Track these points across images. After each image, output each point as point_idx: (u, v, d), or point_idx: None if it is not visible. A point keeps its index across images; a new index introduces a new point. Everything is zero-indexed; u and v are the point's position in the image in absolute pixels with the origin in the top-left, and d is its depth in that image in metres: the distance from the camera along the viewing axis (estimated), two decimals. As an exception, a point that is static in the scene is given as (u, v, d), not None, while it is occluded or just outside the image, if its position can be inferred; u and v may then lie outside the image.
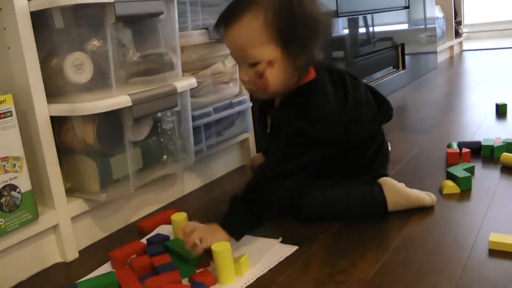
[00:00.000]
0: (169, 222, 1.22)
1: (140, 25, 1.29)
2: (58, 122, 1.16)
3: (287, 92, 1.18)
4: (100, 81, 1.18)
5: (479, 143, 1.59)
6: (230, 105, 1.57)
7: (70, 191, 1.20)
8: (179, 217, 1.16)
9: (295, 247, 1.08)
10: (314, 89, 1.17)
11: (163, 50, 1.33)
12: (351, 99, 1.20)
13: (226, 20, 1.13)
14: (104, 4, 1.13)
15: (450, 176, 1.36)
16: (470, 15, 5.49)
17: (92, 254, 1.18)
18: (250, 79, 1.14)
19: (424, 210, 1.21)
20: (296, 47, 1.10)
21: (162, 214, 1.30)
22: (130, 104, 1.17)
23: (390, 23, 2.96)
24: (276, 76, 1.12)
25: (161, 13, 1.27)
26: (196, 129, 1.45)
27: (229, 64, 1.56)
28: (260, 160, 1.47)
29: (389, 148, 1.36)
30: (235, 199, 1.10)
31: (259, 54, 1.10)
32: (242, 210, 1.08)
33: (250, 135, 1.72)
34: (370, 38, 2.68)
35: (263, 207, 1.09)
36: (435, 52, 3.72)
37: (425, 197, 1.22)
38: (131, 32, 1.27)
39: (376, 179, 1.24)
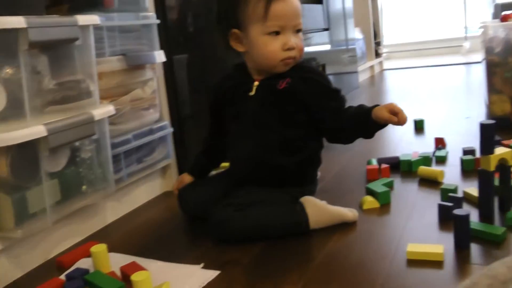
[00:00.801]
0: (89, 255, 1.18)
1: (55, 51, 1.26)
2: (-32, 156, 1.11)
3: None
4: (14, 111, 1.13)
5: (397, 158, 1.64)
6: (151, 132, 1.56)
7: (-17, 230, 1.14)
8: (99, 249, 1.13)
9: (217, 272, 1.07)
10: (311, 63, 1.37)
11: (80, 77, 1.30)
12: None
13: None
14: (17, 30, 1.09)
15: (370, 192, 1.40)
16: (389, 36, 5.71)
17: (9, 295, 1.13)
18: (297, 45, 1.25)
19: (346, 226, 1.23)
20: None
21: (83, 247, 1.26)
22: (46, 134, 1.13)
23: (312, 44, 3.03)
24: None
25: (77, 39, 1.24)
26: (116, 157, 1.42)
27: (149, 90, 1.54)
28: (188, 180, 1.46)
29: (319, 174, 1.40)
30: None
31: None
32: None
33: (172, 161, 1.70)
34: (292, 60, 2.72)
35: None
36: (356, 72, 3.83)
37: (347, 213, 1.24)
38: (46, 59, 1.24)
39: (298, 198, 1.25)
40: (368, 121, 1.21)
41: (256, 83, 1.31)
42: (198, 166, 1.49)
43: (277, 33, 1.24)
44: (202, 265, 1.10)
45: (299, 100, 1.28)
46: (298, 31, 1.27)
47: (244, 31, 1.26)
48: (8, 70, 1.13)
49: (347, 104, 1.31)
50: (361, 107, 1.26)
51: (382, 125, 1.21)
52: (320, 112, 1.28)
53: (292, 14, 1.24)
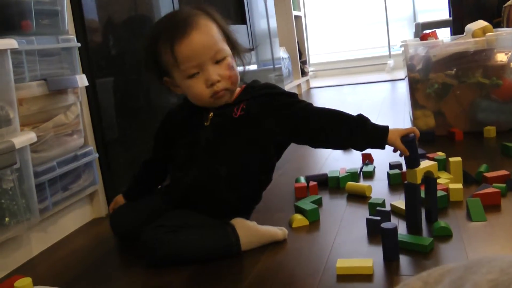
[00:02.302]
0: (13, 289, 1.13)
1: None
2: None
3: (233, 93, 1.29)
4: None
5: (325, 175, 1.66)
6: (75, 158, 1.52)
7: None
8: (23, 283, 1.08)
9: (148, 298, 1.05)
10: (257, 81, 1.35)
11: (-2, 105, 1.26)
12: None
13: (181, 31, 1.19)
14: None
15: (298, 210, 1.41)
16: (315, 55, 5.84)
17: None
18: (222, 76, 1.21)
19: (275, 245, 1.23)
20: (236, 48, 1.28)
21: (6, 282, 1.20)
22: (-38, 164, 1.09)
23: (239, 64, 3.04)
24: (237, 70, 1.26)
25: (-7, 65, 1.21)
26: (40, 186, 1.37)
27: (72, 115, 1.51)
28: (121, 202, 1.45)
29: None
30: None
31: (225, 48, 1.24)
32: None
33: (99, 187, 1.66)
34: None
35: None
36: (284, 91, 3.87)
37: (277, 231, 1.25)
38: (-39, 87, 1.20)
39: (229, 220, 1.25)
40: (383, 142, 1.19)
41: (211, 114, 1.29)
42: (132, 189, 1.47)
43: (198, 72, 1.21)
44: (132, 292, 1.08)
45: (260, 123, 1.25)
46: (220, 60, 1.22)
47: (171, 77, 1.26)
48: None
49: None
50: (365, 120, 1.22)
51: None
52: (290, 120, 1.24)
53: (200, 50, 1.19)
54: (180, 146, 1.33)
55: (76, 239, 1.51)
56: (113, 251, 1.38)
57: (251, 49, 3.19)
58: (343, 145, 1.34)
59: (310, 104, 1.26)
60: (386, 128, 1.19)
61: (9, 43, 1.24)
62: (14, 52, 1.29)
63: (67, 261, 1.35)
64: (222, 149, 1.26)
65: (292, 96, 1.29)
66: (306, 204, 1.41)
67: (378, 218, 1.23)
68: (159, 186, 1.49)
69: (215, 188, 1.25)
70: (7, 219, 1.27)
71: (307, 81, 4.96)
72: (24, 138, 1.27)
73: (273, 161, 1.33)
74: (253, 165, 1.28)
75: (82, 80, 1.54)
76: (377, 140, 1.19)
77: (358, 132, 1.20)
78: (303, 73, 4.81)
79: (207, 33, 1.21)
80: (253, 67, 3.30)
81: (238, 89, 1.30)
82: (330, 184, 1.64)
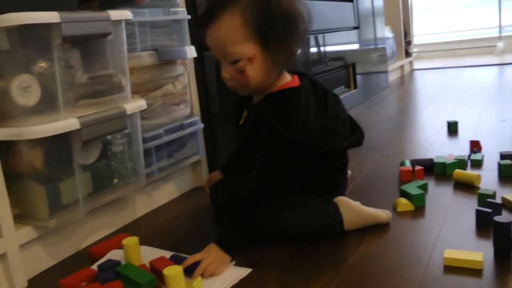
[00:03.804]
0: (120, 247, 1.18)
1: (88, 46, 1.26)
2: (4, 147, 1.12)
3: (269, 92, 1.22)
4: (47, 104, 1.14)
5: (431, 160, 1.61)
6: (181, 127, 1.55)
7: (19, 218, 1.15)
8: (131, 241, 1.13)
9: (249, 270, 1.06)
10: (297, 94, 1.21)
11: (111, 72, 1.30)
12: (330, 111, 1.24)
13: (206, 19, 1.17)
14: (50, 24, 1.10)
15: (404, 194, 1.37)
16: (420, 35, 5.64)
17: (42, 283, 1.13)
18: (231, 76, 1.18)
19: (379, 228, 1.21)
20: (275, 43, 1.14)
21: (114, 239, 1.26)
22: (79, 127, 1.14)
23: (341, 43, 3.00)
24: (256, 72, 1.16)
25: (109, 34, 1.24)
26: (147, 151, 1.42)
27: (179, 85, 1.54)
28: (218, 177, 1.47)
29: (349, 173, 1.37)
30: (227, 221, 1.15)
31: (240, 51, 1.14)
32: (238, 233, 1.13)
33: (202, 157, 1.70)
34: (322, 57, 2.71)
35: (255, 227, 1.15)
36: (386, 72, 3.79)
37: (381, 214, 1.22)
38: (79, 53, 1.24)
39: (329, 199, 1.24)
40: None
41: (245, 112, 1.29)
42: (229, 165, 1.49)
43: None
44: (234, 262, 1.09)
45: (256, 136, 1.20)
46: (235, 62, 1.16)
47: None
48: (42, 64, 1.14)
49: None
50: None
51: None
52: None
53: (214, 46, 1.18)
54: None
55: (178, 206, 1.55)
56: (214, 221, 1.40)
57: (355, 28, 3.14)
58: None
59: (262, 173, 1.17)
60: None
61: (124, 14, 1.28)
62: (127, 23, 1.34)
63: (169, 226, 1.39)
64: (248, 148, 1.26)
65: (273, 149, 1.17)
66: (412, 188, 1.36)
67: (489, 210, 1.17)
68: None
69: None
70: (115, 180, 1.33)
71: (411, 62, 4.81)
72: (134, 105, 1.31)
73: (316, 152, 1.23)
74: (280, 166, 1.18)
75: (191, 52, 1.57)
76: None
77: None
78: (407, 54, 4.66)
79: (224, 31, 1.15)
80: (355, 46, 3.24)
81: (274, 88, 1.23)
82: (436, 170, 1.57)
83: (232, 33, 1.13)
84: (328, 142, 1.22)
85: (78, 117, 1.14)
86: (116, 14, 1.25)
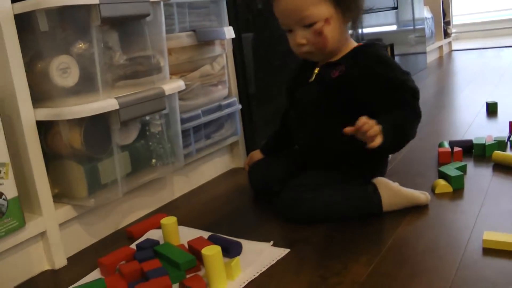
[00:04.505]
0: (158, 226, 1.20)
1: (126, 27, 1.27)
2: (44, 127, 1.14)
3: (339, 52, 1.26)
4: (86, 85, 1.16)
5: (470, 141, 1.58)
6: (219, 108, 1.56)
7: (58, 197, 1.18)
8: (169, 221, 1.14)
9: (287, 250, 1.06)
10: (376, 45, 1.27)
11: (150, 53, 1.31)
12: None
13: None
14: (89, 6, 1.11)
15: (442, 175, 1.35)
16: (458, 16, 5.52)
17: (81, 261, 1.16)
18: (308, 40, 1.20)
19: (417, 210, 1.20)
20: (345, 3, 1.20)
21: (152, 219, 1.28)
22: (117, 107, 1.15)
23: (379, 24, 2.96)
24: (333, 32, 1.21)
25: (148, 15, 1.25)
26: (185, 132, 1.43)
27: (218, 66, 1.54)
28: (258, 157, 1.48)
29: (389, 156, 1.36)
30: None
31: (316, 13, 1.18)
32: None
33: (239, 138, 1.70)
34: (359, 39, 2.67)
35: None
36: (425, 53, 3.73)
37: (420, 195, 1.21)
38: (117, 35, 1.25)
39: (368, 179, 1.23)
40: None
41: (316, 70, 1.28)
42: (269, 145, 1.49)
43: (290, 30, 1.22)
44: (272, 242, 1.10)
45: (353, 88, 1.21)
46: (311, 25, 1.19)
47: None
48: (81, 45, 1.15)
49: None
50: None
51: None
52: (376, 105, 1.19)
53: (288, 12, 1.20)
54: (292, 101, 1.34)
55: (216, 187, 1.57)
56: (251, 202, 1.42)
57: (394, 8, 3.09)
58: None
59: (411, 99, 1.19)
60: None
61: (163, -5, 1.29)
62: (166, 4, 1.34)
63: (207, 206, 1.40)
64: (322, 108, 1.25)
65: (397, 82, 1.19)
66: (451, 170, 1.34)
67: (530, 192, 1.15)
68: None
69: (329, 145, 1.24)
70: (153, 160, 1.34)
71: (449, 43, 4.71)
72: (173, 86, 1.32)
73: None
74: (355, 118, 1.17)
75: (229, 33, 1.57)
76: None
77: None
78: (446, 34, 4.57)
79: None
80: (393, 27, 3.19)
81: (349, 46, 1.27)
82: (475, 151, 1.55)
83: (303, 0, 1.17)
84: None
85: (116, 98, 1.16)
86: (154, -5, 1.26)
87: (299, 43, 1.21)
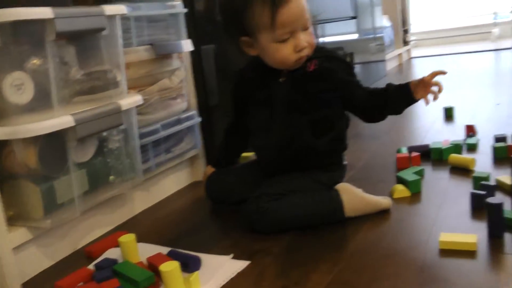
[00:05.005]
0: (118, 245, 1.18)
1: (82, 41, 1.25)
2: (-3, 146, 1.11)
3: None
4: (41, 101, 1.13)
5: (427, 146, 1.61)
6: (179, 121, 1.55)
7: (13, 220, 1.14)
8: (127, 239, 1.12)
9: (247, 262, 1.06)
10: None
11: (107, 67, 1.29)
12: None
13: None
14: (44, 20, 1.09)
15: (400, 180, 1.38)
16: (417, 23, 5.62)
17: (38, 286, 1.12)
18: (308, 43, 1.23)
19: (377, 215, 1.21)
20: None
21: (111, 237, 1.26)
22: (73, 124, 1.13)
23: (339, 33, 2.99)
24: None
25: (103, 29, 1.24)
26: (144, 147, 1.42)
27: (176, 79, 1.54)
28: (211, 171, 1.48)
29: (345, 162, 1.38)
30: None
31: (308, 16, 1.24)
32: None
33: (200, 151, 1.69)
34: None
35: None
36: (384, 60, 3.78)
37: (382, 201, 1.23)
38: (73, 49, 1.23)
39: (329, 185, 1.25)
40: (410, 96, 1.25)
41: (284, 71, 1.29)
42: (221, 158, 1.50)
43: (285, 39, 1.22)
44: (231, 255, 1.09)
45: (328, 78, 1.27)
46: (307, 28, 1.24)
47: (253, 37, 1.24)
48: (35, 61, 1.13)
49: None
50: (392, 84, 1.29)
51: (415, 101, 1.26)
52: (348, 88, 1.29)
53: (298, 16, 1.20)
54: (257, 104, 1.33)
55: (177, 201, 1.55)
56: (212, 215, 1.41)
57: (353, 17, 3.13)
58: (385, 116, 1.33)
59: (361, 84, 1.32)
60: (407, 83, 1.26)
61: (119, 9, 1.28)
62: (123, 17, 1.33)
63: (168, 221, 1.39)
64: (299, 103, 1.27)
65: (353, 68, 1.34)
66: (409, 174, 1.37)
67: (483, 192, 1.18)
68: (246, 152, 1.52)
69: (301, 139, 1.26)
70: (112, 177, 1.33)
71: (408, 50, 4.80)
72: (130, 100, 1.30)
73: (352, 105, 1.33)
74: (332, 110, 1.29)
75: (187, 45, 1.57)
76: (404, 94, 1.25)
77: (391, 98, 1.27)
78: (405, 42, 4.65)
79: (302, 2, 1.22)
80: (354, 36, 3.23)
81: None
82: (432, 155, 1.58)
83: (304, 2, 1.22)
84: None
85: (72, 114, 1.14)
86: (110, 8, 1.25)
87: (304, 46, 1.22)
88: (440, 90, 1.25)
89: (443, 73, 1.26)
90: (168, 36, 1.54)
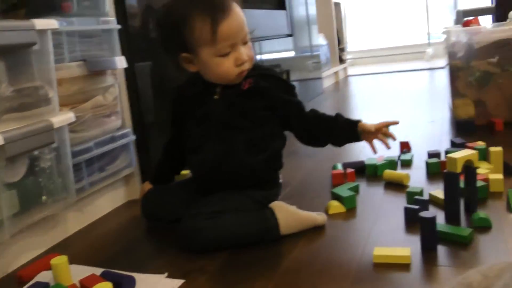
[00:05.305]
0: (50, 267, 1.14)
1: (12, 57, 1.22)
2: None
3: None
4: (-32, 120, 1.10)
5: (362, 162, 1.64)
6: (113, 139, 1.52)
7: None
8: (59, 261, 1.09)
9: (181, 281, 1.04)
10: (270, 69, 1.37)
11: (38, 84, 1.26)
12: None
13: (225, 12, 1.20)
14: (-32, 35, 1.06)
15: (335, 196, 1.40)
16: (353, 42, 5.76)
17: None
18: (248, 57, 1.24)
19: (312, 231, 1.22)
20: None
21: (43, 260, 1.21)
22: (2, 143, 1.10)
23: (275, 51, 3.03)
24: None
25: (34, 44, 1.20)
26: (77, 166, 1.38)
27: (110, 96, 1.51)
28: (150, 187, 1.46)
29: (281, 180, 1.38)
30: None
31: (247, 30, 1.25)
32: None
33: (135, 169, 1.66)
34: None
35: None
36: (321, 78, 3.84)
37: (317, 217, 1.24)
38: (3, 65, 1.20)
39: (264, 203, 1.25)
40: (355, 136, 1.31)
41: (218, 88, 1.30)
42: (158, 175, 1.49)
43: (229, 52, 1.22)
44: (166, 274, 1.08)
45: (264, 97, 1.28)
46: (247, 42, 1.25)
47: (193, 53, 1.24)
48: (-39, 78, 1.09)
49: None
50: (341, 116, 1.33)
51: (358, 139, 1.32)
52: (286, 107, 1.30)
53: (239, 29, 1.22)
54: (194, 120, 1.33)
55: (111, 220, 1.52)
56: (148, 233, 1.39)
57: (289, 35, 3.18)
58: (325, 144, 1.38)
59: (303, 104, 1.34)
60: (356, 121, 1.30)
61: (50, 23, 1.25)
62: (54, 32, 1.30)
63: (102, 242, 1.36)
64: (234, 121, 1.27)
65: (292, 87, 1.35)
66: (343, 190, 1.39)
67: (417, 207, 1.21)
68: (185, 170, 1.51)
69: (237, 157, 1.26)
70: (44, 197, 1.29)
71: (345, 68, 4.91)
72: (62, 118, 1.28)
73: (289, 125, 1.36)
74: (268, 129, 1.30)
75: (121, 62, 1.54)
76: (350, 131, 1.31)
77: (336, 129, 1.32)
78: (341, 60, 4.75)
79: (241, 16, 1.23)
80: (291, 53, 3.27)
81: None
82: (367, 171, 1.61)
83: (243, 16, 1.24)
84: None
85: (1, 132, 1.10)
86: (41, 23, 1.22)
87: (244, 60, 1.23)
88: (393, 139, 1.34)
89: (395, 123, 1.31)
90: (102, 52, 1.51)
